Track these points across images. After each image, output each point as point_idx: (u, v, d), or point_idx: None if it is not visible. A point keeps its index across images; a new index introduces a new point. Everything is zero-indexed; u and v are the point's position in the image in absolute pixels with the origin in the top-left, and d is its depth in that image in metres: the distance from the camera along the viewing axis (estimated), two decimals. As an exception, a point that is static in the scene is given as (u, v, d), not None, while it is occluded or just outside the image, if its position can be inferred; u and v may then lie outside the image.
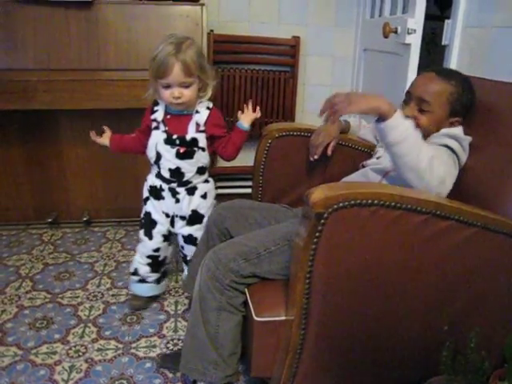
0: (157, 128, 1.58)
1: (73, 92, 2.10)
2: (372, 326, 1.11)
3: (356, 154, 1.62)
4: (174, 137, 1.56)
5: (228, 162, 1.74)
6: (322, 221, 0.97)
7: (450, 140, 1.30)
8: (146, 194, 1.70)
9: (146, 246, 1.71)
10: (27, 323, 1.70)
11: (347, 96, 1.16)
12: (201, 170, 1.63)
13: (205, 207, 1.67)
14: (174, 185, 1.62)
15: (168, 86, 1.48)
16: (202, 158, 1.60)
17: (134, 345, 1.60)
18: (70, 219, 2.46)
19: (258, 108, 1.64)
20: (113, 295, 1.89)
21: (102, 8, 2.28)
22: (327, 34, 2.63)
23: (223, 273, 1.19)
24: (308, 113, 2.74)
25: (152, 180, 1.66)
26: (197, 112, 1.57)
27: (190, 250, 1.71)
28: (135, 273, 1.75)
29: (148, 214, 1.69)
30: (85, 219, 2.41)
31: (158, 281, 1.79)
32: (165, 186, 1.63)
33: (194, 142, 1.57)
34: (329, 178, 1.61)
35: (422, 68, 1.68)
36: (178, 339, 1.63)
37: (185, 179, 1.61)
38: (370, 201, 0.97)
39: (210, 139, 1.61)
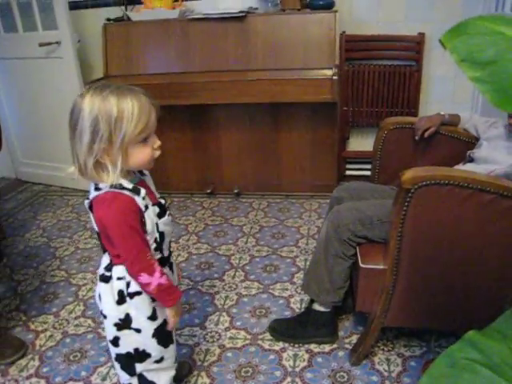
0: (147, 207, 1.17)
1: (229, 90, 2.64)
2: (448, 274, 1.45)
3: (460, 144, 1.88)
4: (162, 202, 1.25)
5: None
6: (410, 194, 1.34)
7: None
8: (148, 310, 1.24)
9: (168, 351, 1.34)
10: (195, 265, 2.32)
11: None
12: None
13: None
14: (171, 260, 1.34)
15: (146, 139, 1.11)
16: None
17: (272, 286, 2.11)
18: (224, 191, 3.06)
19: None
20: (257, 250, 2.42)
21: (253, 19, 2.81)
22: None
23: (343, 231, 1.60)
24: (431, 103, 2.96)
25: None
26: None
27: None
28: None
29: (163, 324, 1.28)
30: (235, 191, 3.01)
31: None
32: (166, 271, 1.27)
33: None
34: (435, 165, 1.91)
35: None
36: (305, 286, 2.11)
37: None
38: (446, 181, 1.31)
39: None
